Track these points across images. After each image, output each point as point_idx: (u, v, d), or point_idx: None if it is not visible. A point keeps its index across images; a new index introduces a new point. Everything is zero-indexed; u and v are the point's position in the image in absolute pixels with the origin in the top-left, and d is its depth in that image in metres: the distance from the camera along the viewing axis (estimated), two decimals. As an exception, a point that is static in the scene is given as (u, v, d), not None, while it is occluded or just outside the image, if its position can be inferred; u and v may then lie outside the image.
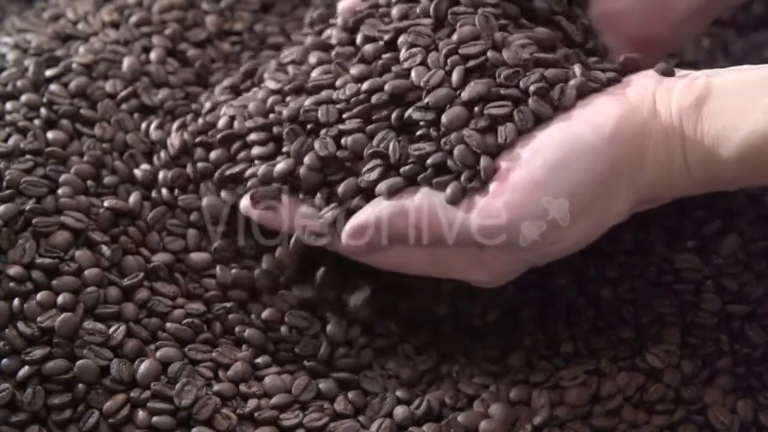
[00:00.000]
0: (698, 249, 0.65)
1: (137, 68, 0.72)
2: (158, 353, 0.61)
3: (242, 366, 0.62)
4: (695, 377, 0.63)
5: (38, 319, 0.60)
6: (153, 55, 0.73)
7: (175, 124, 0.69)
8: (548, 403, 0.61)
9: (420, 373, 0.64)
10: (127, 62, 0.72)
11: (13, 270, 0.61)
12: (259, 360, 0.63)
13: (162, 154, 0.68)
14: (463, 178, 0.57)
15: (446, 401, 0.62)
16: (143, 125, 0.69)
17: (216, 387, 0.60)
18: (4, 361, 0.59)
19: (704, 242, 0.65)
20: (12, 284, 0.61)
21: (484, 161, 0.57)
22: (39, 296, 0.61)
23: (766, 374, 0.64)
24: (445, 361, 0.65)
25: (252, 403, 0.60)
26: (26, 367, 0.59)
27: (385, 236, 0.59)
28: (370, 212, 0.59)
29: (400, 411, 0.61)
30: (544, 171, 0.56)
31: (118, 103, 0.70)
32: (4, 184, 0.64)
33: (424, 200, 0.58)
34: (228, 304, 0.64)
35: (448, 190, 0.57)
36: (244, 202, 0.63)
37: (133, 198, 0.66)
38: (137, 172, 0.67)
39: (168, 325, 0.62)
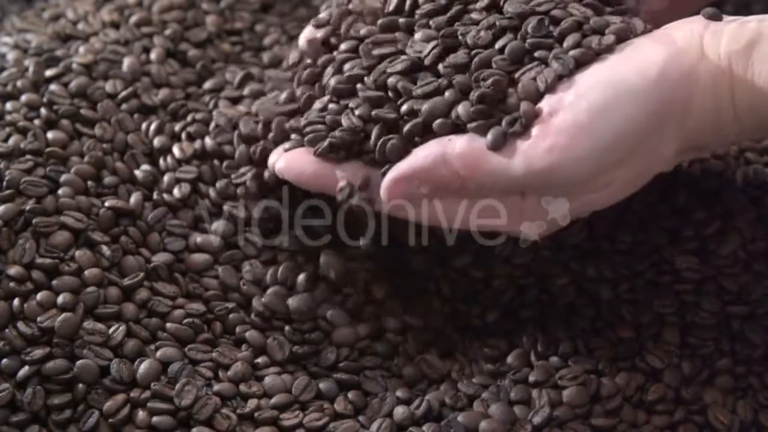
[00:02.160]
0: (698, 249, 0.65)
1: (137, 68, 0.72)
2: (158, 353, 0.61)
3: (242, 366, 0.62)
4: (695, 377, 0.63)
5: (38, 319, 0.60)
6: (153, 55, 0.73)
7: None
8: (548, 403, 0.61)
9: (421, 373, 0.64)
10: (127, 62, 0.72)
11: (13, 270, 0.61)
12: (259, 360, 0.63)
13: (168, 157, 0.68)
14: (504, 122, 0.56)
15: (446, 401, 0.62)
16: (144, 125, 0.69)
17: (216, 387, 0.60)
18: (4, 361, 0.59)
19: (704, 242, 0.65)
20: (12, 284, 0.61)
21: (524, 105, 0.56)
22: (39, 296, 0.61)
23: (766, 374, 0.64)
24: (445, 361, 0.65)
25: (252, 403, 0.60)
26: (26, 367, 0.59)
27: (426, 186, 0.58)
28: (410, 161, 0.58)
29: (400, 411, 0.61)
30: (589, 114, 0.55)
31: (119, 104, 0.70)
32: (4, 184, 0.64)
33: (465, 146, 0.57)
34: (228, 304, 0.64)
35: (489, 135, 0.56)
36: (280, 165, 0.63)
37: (134, 198, 0.66)
38: (138, 172, 0.67)
39: (168, 325, 0.62)
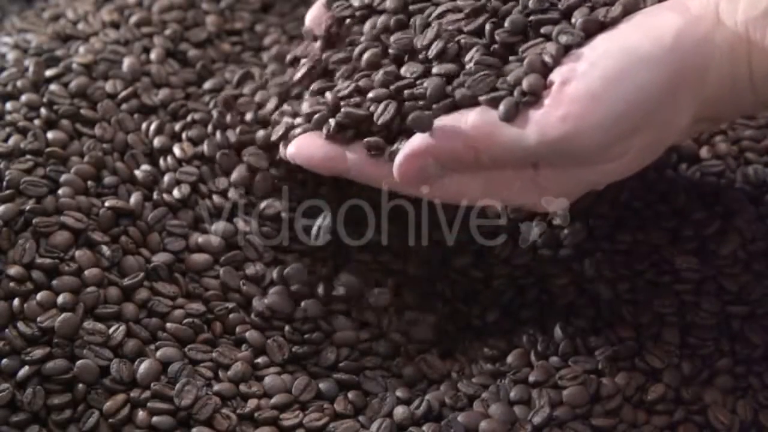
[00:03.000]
0: (698, 249, 0.65)
1: (137, 68, 0.72)
2: (158, 353, 0.61)
3: (242, 366, 0.62)
4: (695, 377, 0.63)
5: (38, 319, 0.60)
6: (153, 56, 0.73)
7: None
8: (548, 403, 0.61)
9: (421, 373, 0.64)
10: (127, 62, 0.72)
11: (13, 270, 0.61)
12: (259, 360, 0.63)
13: (168, 157, 0.68)
14: (516, 93, 0.56)
15: (446, 401, 0.62)
16: (144, 125, 0.69)
17: (216, 387, 0.60)
18: (4, 361, 0.59)
19: (704, 242, 0.65)
20: (12, 284, 0.61)
21: (530, 78, 0.55)
22: (39, 296, 0.61)
23: (766, 374, 0.64)
24: (445, 361, 0.65)
25: (252, 403, 0.60)
26: (26, 367, 0.59)
27: (439, 160, 0.57)
28: (423, 136, 0.58)
29: (400, 411, 0.61)
30: (603, 82, 0.54)
31: (119, 104, 0.70)
32: (4, 184, 0.64)
33: (478, 119, 0.56)
34: (228, 304, 0.64)
35: (502, 106, 0.55)
36: (290, 150, 0.63)
37: (134, 198, 0.66)
38: (138, 172, 0.67)
39: (168, 325, 0.62)
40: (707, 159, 0.68)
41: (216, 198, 0.67)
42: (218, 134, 0.69)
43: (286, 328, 0.64)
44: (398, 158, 0.58)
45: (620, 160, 0.56)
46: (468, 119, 0.57)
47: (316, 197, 0.68)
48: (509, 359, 0.65)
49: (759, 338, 0.64)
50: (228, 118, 0.70)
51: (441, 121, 0.57)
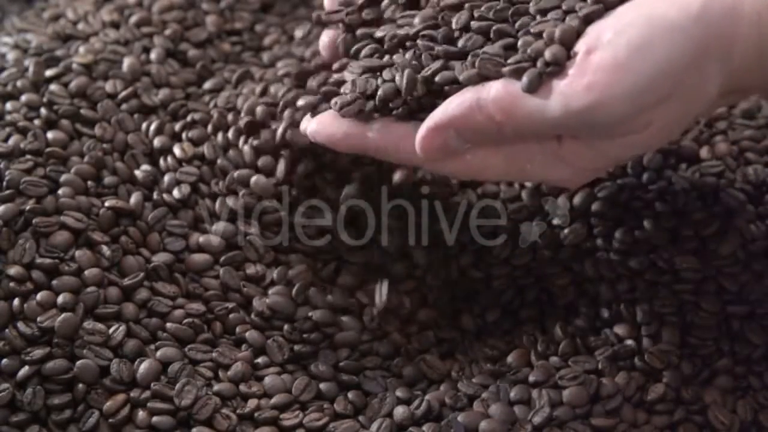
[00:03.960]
0: (698, 249, 0.65)
1: (137, 68, 0.72)
2: (158, 353, 0.61)
3: (242, 366, 0.62)
4: (695, 377, 0.63)
5: (38, 319, 0.60)
6: (153, 56, 0.73)
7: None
8: (548, 403, 0.61)
9: (421, 373, 0.64)
10: (127, 62, 0.72)
11: (13, 270, 0.61)
12: (259, 360, 0.63)
13: (168, 157, 0.68)
14: (539, 63, 0.55)
15: (446, 401, 0.62)
16: (144, 125, 0.69)
17: (216, 387, 0.60)
18: (4, 361, 0.59)
19: (704, 242, 0.65)
20: (12, 284, 0.61)
21: (554, 48, 0.54)
22: (39, 296, 0.61)
23: (766, 374, 0.64)
24: (445, 361, 0.65)
25: (252, 403, 0.60)
26: (26, 367, 0.59)
27: (461, 134, 0.56)
28: (444, 109, 0.57)
29: (400, 411, 0.61)
30: (628, 51, 0.53)
31: (119, 104, 0.70)
32: (4, 184, 0.64)
33: (500, 90, 0.55)
34: (228, 304, 0.64)
35: (525, 77, 0.54)
36: (311, 127, 0.62)
37: (134, 198, 0.66)
38: (138, 172, 0.67)
39: (168, 325, 0.62)
40: (707, 159, 0.68)
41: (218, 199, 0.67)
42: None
43: (285, 327, 0.64)
44: (420, 132, 0.57)
45: (645, 131, 0.55)
46: (491, 91, 0.55)
47: (316, 197, 0.68)
48: (509, 359, 0.65)
49: (759, 338, 0.64)
50: (229, 118, 0.70)
51: (463, 94, 0.56)
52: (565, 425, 0.60)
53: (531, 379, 0.62)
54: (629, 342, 0.64)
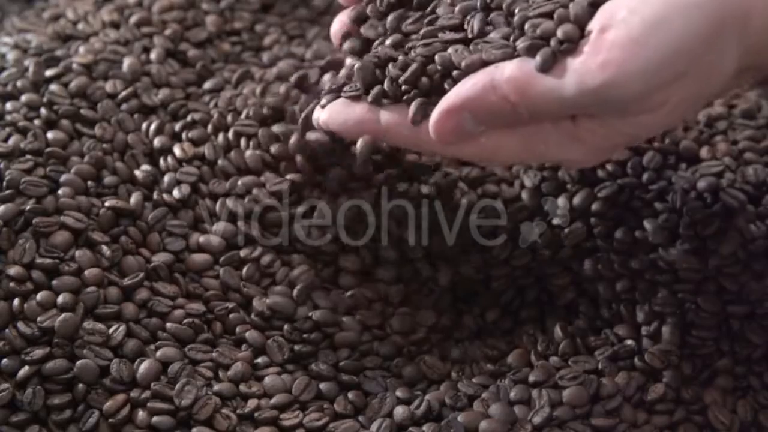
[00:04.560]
0: (698, 249, 0.65)
1: (137, 68, 0.72)
2: (158, 353, 0.61)
3: (242, 366, 0.62)
4: (695, 377, 0.63)
5: (38, 319, 0.60)
6: (153, 56, 0.73)
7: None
8: (548, 403, 0.61)
9: (421, 373, 0.64)
10: (127, 62, 0.72)
11: (13, 270, 0.61)
12: (259, 360, 0.63)
13: (168, 157, 0.68)
14: (552, 42, 0.54)
15: (446, 401, 0.62)
16: (144, 125, 0.69)
17: (216, 387, 0.60)
18: (4, 361, 0.59)
19: (704, 242, 0.65)
20: (12, 284, 0.61)
21: (566, 27, 0.54)
22: (39, 296, 0.61)
23: (766, 374, 0.64)
24: (445, 361, 0.65)
25: (252, 403, 0.60)
26: (26, 367, 0.59)
27: (475, 116, 0.56)
28: (458, 91, 0.56)
29: (400, 411, 0.61)
30: (643, 28, 0.52)
31: (119, 104, 0.70)
32: (4, 184, 0.64)
33: (514, 70, 0.54)
34: (228, 304, 0.64)
35: (538, 56, 0.54)
36: (323, 117, 0.62)
37: (134, 198, 0.66)
38: (138, 172, 0.67)
39: (168, 325, 0.62)
40: (707, 159, 0.68)
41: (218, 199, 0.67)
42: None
43: (285, 327, 0.64)
44: (434, 114, 0.56)
45: (661, 110, 0.54)
46: (504, 71, 0.55)
47: (316, 197, 0.68)
48: (509, 359, 0.65)
49: (759, 338, 0.64)
50: (229, 118, 0.70)
51: (476, 75, 0.56)
52: (565, 425, 0.60)
53: (531, 379, 0.62)
54: (629, 342, 0.64)
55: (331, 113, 0.62)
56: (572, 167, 0.62)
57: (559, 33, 0.54)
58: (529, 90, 0.54)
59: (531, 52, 0.54)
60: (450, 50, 0.58)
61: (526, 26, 0.56)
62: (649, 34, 0.52)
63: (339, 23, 0.65)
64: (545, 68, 0.54)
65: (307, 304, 0.65)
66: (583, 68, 0.53)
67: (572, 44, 0.54)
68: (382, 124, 0.60)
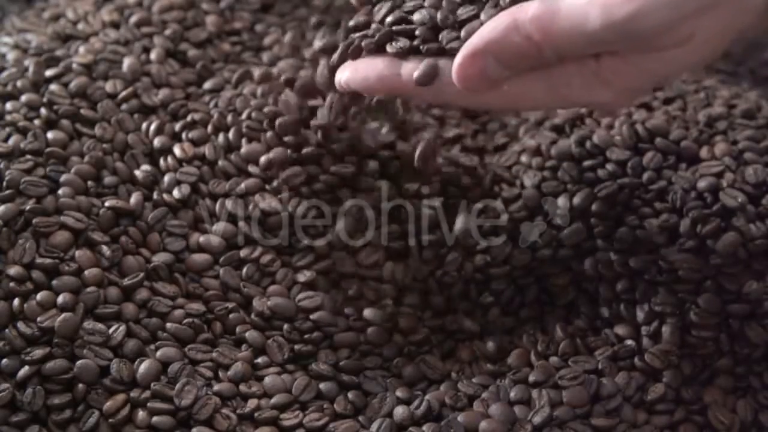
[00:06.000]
0: (697, 248, 0.65)
1: (137, 68, 0.72)
2: (158, 353, 0.61)
3: (242, 366, 0.62)
4: (695, 377, 0.63)
5: (38, 319, 0.60)
6: (153, 56, 0.73)
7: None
8: (548, 403, 0.61)
9: (421, 373, 0.64)
10: (127, 62, 0.72)
11: (13, 270, 0.61)
12: (259, 360, 0.63)
13: (168, 157, 0.68)
14: None
15: (446, 401, 0.62)
16: (144, 125, 0.69)
17: (216, 387, 0.60)
18: (4, 361, 0.59)
19: (703, 242, 0.65)
20: (12, 284, 0.61)
21: None
22: (39, 296, 0.61)
23: (766, 374, 0.64)
24: (446, 361, 0.65)
25: (252, 403, 0.60)
26: (26, 367, 0.59)
27: (500, 58, 0.55)
28: (481, 34, 0.55)
29: (400, 411, 0.61)
30: None
31: (119, 104, 0.70)
32: (4, 184, 0.64)
33: (537, 8, 0.53)
34: (228, 304, 0.64)
35: None
36: (345, 76, 0.61)
37: (134, 198, 0.66)
38: (138, 172, 0.67)
39: (168, 325, 0.62)
40: (707, 159, 0.68)
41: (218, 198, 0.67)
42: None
43: (285, 327, 0.64)
44: (457, 60, 0.55)
45: (688, 45, 0.53)
46: (528, 10, 0.54)
47: (316, 197, 0.68)
48: (509, 359, 0.65)
49: (759, 338, 0.64)
50: (229, 118, 0.70)
51: (499, 17, 0.55)
52: (565, 425, 0.60)
53: (531, 379, 0.62)
54: (629, 342, 0.64)
55: (352, 71, 0.61)
56: (600, 111, 0.60)
57: None
58: (552, 27, 0.53)
59: None
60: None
61: None
62: None
63: None
64: (570, 1, 0.52)
65: (307, 303, 0.65)
66: (608, 1, 0.52)
67: None
68: (404, 79, 0.59)
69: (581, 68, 0.55)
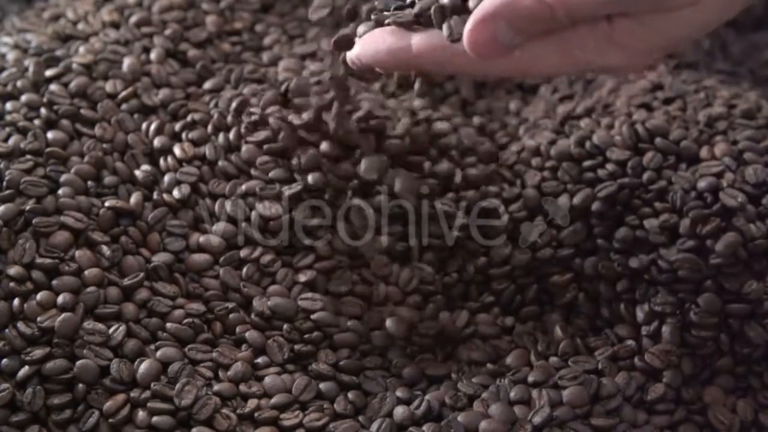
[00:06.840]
0: (697, 248, 0.65)
1: (137, 68, 0.72)
2: (158, 353, 0.61)
3: (242, 366, 0.62)
4: (695, 377, 0.63)
5: (38, 319, 0.60)
6: (153, 56, 0.73)
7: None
8: (548, 403, 0.61)
9: (421, 373, 0.64)
10: (127, 62, 0.72)
11: (13, 270, 0.61)
12: (259, 360, 0.63)
13: (168, 157, 0.68)
14: None
15: (446, 401, 0.62)
16: (144, 125, 0.69)
17: (216, 387, 0.60)
18: (4, 361, 0.59)
19: (703, 242, 0.65)
20: (12, 284, 0.61)
21: None
22: (39, 296, 0.61)
23: (766, 374, 0.64)
24: (446, 361, 0.65)
25: (252, 403, 0.60)
26: (26, 367, 0.59)
27: (512, 23, 0.53)
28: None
29: (400, 411, 0.61)
30: None
31: (119, 104, 0.70)
32: (4, 184, 0.64)
33: None
34: (228, 304, 0.64)
35: None
36: (355, 51, 0.61)
37: (134, 198, 0.66)
38: (138, 172, 0.67)
39: (168, 325, 0.62)
40: (707, 159, 0.68)
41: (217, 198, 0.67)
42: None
43: (285, 327, 0.64)
44: (468, 25, 0.54)
45: (700, 3, 0.53)
46: None
47: (317, 197, 0.68)
48: (509, 359, 0.65)
49: (759, 338, 0.64)
50: (229, 118, 0.70)
51: None
52: (565, 425, 0.60)
53: (531, 379, 0.62)
54: (629, 342, 0.64)
55: (362, 45, 0.61)
56: (614, 74, 0.59)
57: None
58: None
59: None
60: None
61: None
62: None
63: None
64: None
65: (307, 303, 0.65)
66: None
67: None
68: (414, 50, 0.58)
69: (594, 31, 0.55)
